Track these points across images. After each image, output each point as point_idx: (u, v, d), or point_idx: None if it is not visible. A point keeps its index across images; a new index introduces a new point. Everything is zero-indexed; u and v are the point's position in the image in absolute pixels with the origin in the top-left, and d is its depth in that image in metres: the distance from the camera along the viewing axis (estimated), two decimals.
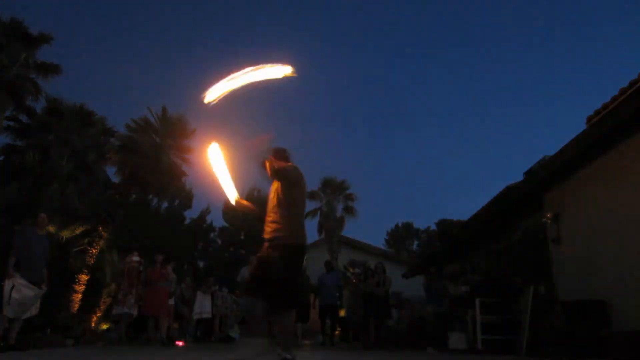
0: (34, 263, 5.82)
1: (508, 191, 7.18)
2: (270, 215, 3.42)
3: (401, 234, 33.91)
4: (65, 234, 11.37)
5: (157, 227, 16.13)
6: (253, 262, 3.38)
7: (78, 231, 11.62)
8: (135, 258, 8.28)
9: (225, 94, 3.28)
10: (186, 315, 9.73)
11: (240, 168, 3.57)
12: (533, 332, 6.20)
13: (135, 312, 8.04)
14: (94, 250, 11.73)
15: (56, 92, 16.08)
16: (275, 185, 3.50)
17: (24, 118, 13.81)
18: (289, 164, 3.55)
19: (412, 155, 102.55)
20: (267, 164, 3.37)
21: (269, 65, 3.25)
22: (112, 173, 14.12)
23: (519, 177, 7.11)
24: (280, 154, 3.59)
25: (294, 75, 3.26)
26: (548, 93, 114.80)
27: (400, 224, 34.40)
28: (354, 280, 9.12)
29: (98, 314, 11.85)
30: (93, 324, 11.28)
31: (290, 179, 3.44)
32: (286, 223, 3.33)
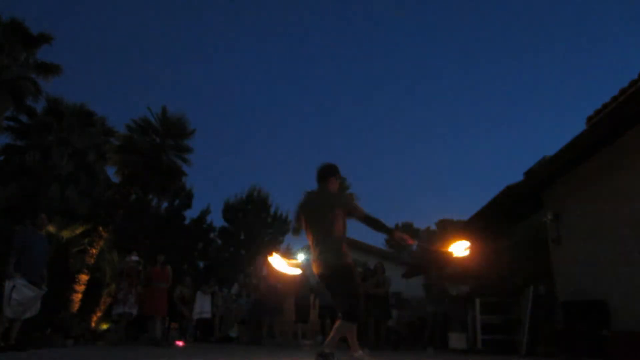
0: (34, 263, 5.82)
1: (508, 191, 7.17)
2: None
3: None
4: (65, 234, 11.35)
5: (157, 227, 16.11)
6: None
7: (78, 231, 11.59)
8: (134, 258, 8.27)
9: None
10: (186, 315, 9.73)
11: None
12: (533, 332, 6.20)
13: (135, 312, 8.04)
14: (94, 250, 11.71)
15: (56, 92, 16.09)
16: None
17: (24, 118, 13.82)
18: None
19: (412, 155, 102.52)
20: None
21: None
22: (112, 173, 14.11)
23: (519, 177, 7.10)
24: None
25: None
26: (548, 93, 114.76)
27: (400, 224, 34.40)
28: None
29: (98, 314, 11.84)
30: (93, 324, 11.27)
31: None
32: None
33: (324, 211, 3.52)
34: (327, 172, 3.72)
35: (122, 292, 8.00)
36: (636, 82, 5.38)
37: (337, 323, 3.41)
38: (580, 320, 5.30)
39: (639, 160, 4.99)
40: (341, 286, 3.42)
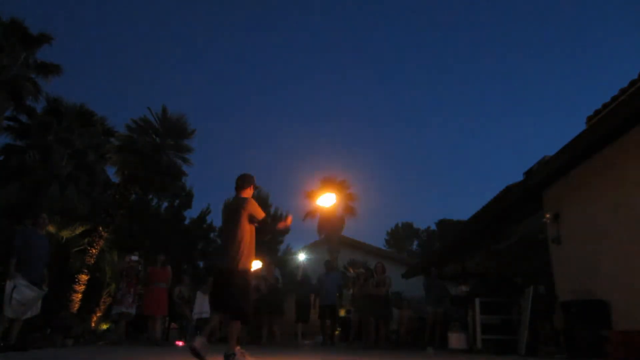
0: (34, 263, 5.82)
1: (508, 191, 7.17)
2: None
3: (401, 234, 33.93)
4: (65, 234, 11.34)
5: (157, 227, 16.09)
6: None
7: (78, 231, 11.59)
8: (134, 257, 8.27)
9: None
10: (186, 315, 9.73)
11: None
12: (533, 332, 6.19)
13: (133, 312, 8.04)
14: (94, 250, 11.70)
15: (56, 92, 16.10)
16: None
17: (24, 118, 13.81)
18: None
19: (412, 155, 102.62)
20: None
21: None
22: (112, 173, 14.10)
23: (519, 177, 7.10)
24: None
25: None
26: (549, 93, 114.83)
27: (400, 224, 34.45)
28: (362, 280, 9.13)
29: (98, 314, 11.83)
30: (93, 324, 11.27)
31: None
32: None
33: (232, 217, 3.89)
34: (241, 183, 4.08)
35: (121, 292, 8.00)
36: (636, 82, 5.39)
37: (231, 326, 3.86)
38: (580, 320, 5.29)
39: (639, 160, 4.99)
40: (234, 289, 3.72)
